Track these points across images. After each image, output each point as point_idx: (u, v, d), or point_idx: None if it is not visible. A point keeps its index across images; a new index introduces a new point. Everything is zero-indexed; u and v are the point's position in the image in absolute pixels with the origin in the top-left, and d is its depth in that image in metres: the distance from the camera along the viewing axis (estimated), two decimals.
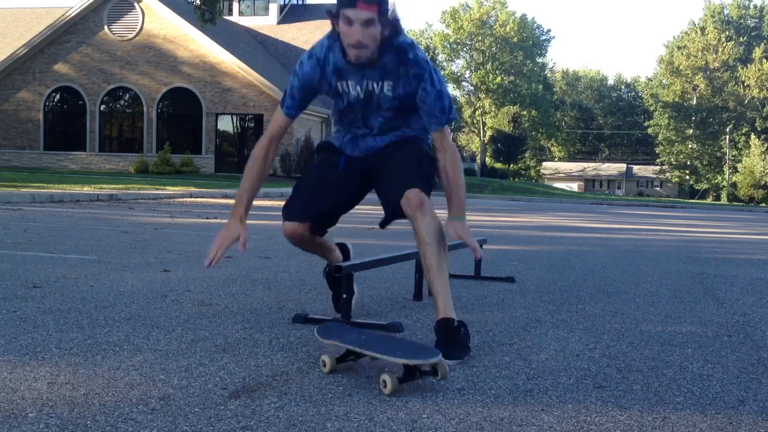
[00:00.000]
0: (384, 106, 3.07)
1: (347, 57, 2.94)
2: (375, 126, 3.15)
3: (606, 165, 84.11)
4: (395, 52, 2.94)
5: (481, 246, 5.00)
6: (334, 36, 3.00)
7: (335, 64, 3.00)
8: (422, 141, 3.20)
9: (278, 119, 3.15)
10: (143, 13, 31.94)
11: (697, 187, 67.12)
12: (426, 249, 2.91)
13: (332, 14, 2.95)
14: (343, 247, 3.64)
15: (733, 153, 62.26)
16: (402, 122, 3.17)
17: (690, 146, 66.90)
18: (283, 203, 3.21)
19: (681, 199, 52.99)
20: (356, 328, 2.83)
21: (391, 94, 3.01)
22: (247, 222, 3.19)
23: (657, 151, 70.76)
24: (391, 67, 2.96)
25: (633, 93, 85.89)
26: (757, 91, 63.09)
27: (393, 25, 2.90)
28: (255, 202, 3.24)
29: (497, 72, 65.45)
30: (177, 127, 32.92)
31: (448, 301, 2.88)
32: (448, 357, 2.68)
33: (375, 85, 3.01)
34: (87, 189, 15.70)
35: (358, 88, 3.03)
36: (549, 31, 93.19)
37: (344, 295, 3.28)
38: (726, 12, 70.11)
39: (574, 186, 76.76)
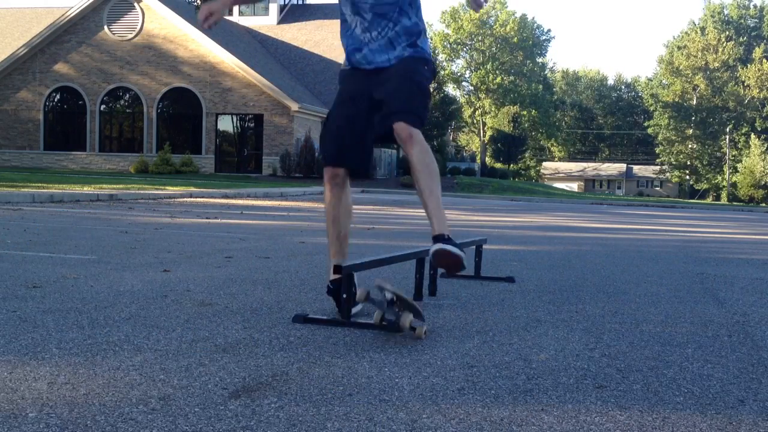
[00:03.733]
0: None
1: None
2: (367, 10, 3.33)
3: (606, 165, 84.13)
4: None
5: (481, 245, 5.01)
6: None
7: None
8: (418, 64, 3.38)
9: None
10: (143, 13, 31.95)
11: (697, 187, 67.12)
12: (418, 175, 3.17)
13: None
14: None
15: (733, 153, 62.27)
16: (392, 7, 3.35)
17: (690, 146, 66.91)
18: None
19: (681, 199, 52.99)
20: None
21: None
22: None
23: (657, 151, 70.78)
24: None
25: (633, 93, 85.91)
26: (757, 91, 63.10)
27: None
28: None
29: (497, 72, 65.45)
30: (177, 127, 32.92)
31: (441, 220, 3.14)
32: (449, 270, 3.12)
33: None
34: (87, 189, 15.71)
35: None
36: (549, 31, 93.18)
37: (344, 295, 3.28)
38: (726, 12, 70.12)
39: (574, 186, 76.77)
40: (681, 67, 66.20)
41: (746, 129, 63.59)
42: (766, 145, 55.06)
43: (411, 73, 3.32)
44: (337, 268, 3.31)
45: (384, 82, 3.33)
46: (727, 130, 62.92)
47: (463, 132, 75.70)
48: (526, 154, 61.98)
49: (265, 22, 39.70)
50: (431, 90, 3.61)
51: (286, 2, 40.80)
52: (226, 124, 32.57)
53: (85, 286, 4.14)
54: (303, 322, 3.34)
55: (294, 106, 30.60)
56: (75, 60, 32.57)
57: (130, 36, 32.13)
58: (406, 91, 3.27)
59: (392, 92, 3.27)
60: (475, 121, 68.30)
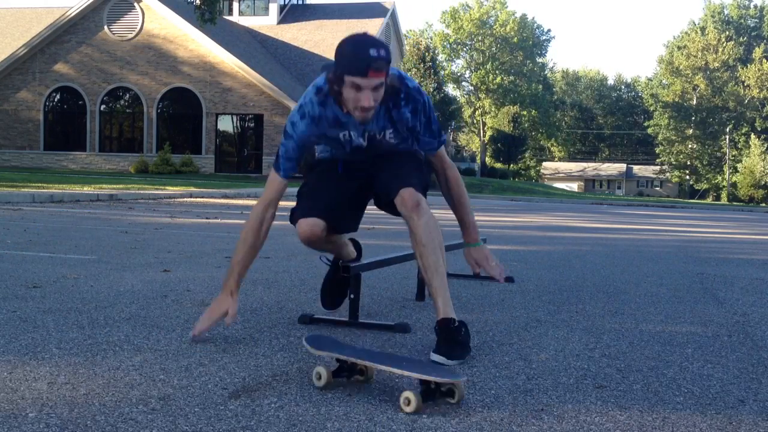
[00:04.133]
0: (386, 148, 3.03)
1: (346, 110, 2.86)
2: (364, 159, 3.09)
3: (606, 165, 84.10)
4: (388, 97, 2.85)
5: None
6: (323, 90, 2.87)
7: (334, 118, 2.89)
8: (417, 152, 3.15)
9: (276, 185, 3.01)
10: (143, 13, 31.94)
11: (697, 187, 67.10)
12: (423, 250, 2.88)
13: (334, 75, 2.75)
14: (355, 243, 3.64)
15: (733, 153, 62.26)
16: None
17: (690, 146, 66.89)
18: (283, 203, 3.18)
19: (681, 199, 52.99)
20: (346, 344, 2.67)
21: (394, 141, 2.99)
22: None
23: (657, 151, 70.74)
24: (385, 114, 2.89)
25: (633, 93, 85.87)
26: (757, 91, 63.08)
27: (392, 76, 2.84)
28: (255, 202, 3.22)
29: (497, 72, 65.40)
30: (177, 127, 32.92)
31: (447, 301, 2.85)
32: (450, 357, 2.68)
33: (377, 134, 2.96)
34: (87, 189, 15.71)
35: (361, 139, 2.97)
36: (549, 31, 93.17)
37: (352, 296, 3.28)
38: (726, 12, 70.09)
39: (574, 186, 76.75)
40: (681, 67, 66.17)
41: (746, 129, 63.57)
42: (766, 145, 55.05)
43: (413, 154, 3.10)
44: (346, 268, 3.27)
45: (382, 159, 3.08)
46: (727, 130, 62.90)
47: (463, 132, 75.68)
48: (526, 154, 61.96)
49: (265, 22, 39.69)
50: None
51: (286, 2, 40.79)
52: (226, 124, 32.57)
53: (85, 286, 4.14)
54: (309, 322, 3.34)
55: (294, 107, 30.62)
56: (75, 60, 32.56)
57: (130, 36, 32.12)
58: (413, 166, 3.05)
59: (397, 165, 3.03)
60: (475, 121, 68.27)
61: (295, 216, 3.11)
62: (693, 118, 66.26)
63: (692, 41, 66.27)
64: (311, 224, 3.05)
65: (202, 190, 18.43)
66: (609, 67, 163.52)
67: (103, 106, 32.90)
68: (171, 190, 17.57)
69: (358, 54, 2.64)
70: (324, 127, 2.91)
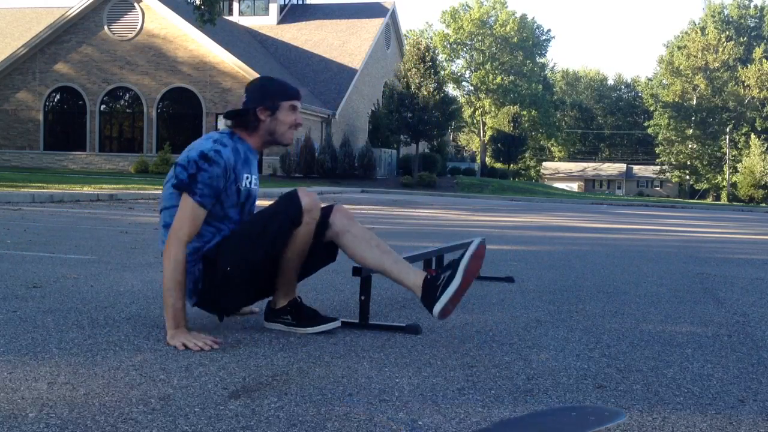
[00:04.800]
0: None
1: (261, 147, 3.18)
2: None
3: (606, 165, 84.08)
4: None
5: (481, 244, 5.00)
6: (227, 133, 3.13)
7: (245, 153, 3.11)
8: None
9: (197, 217, 2.90)
10: (143, 13, 31.94)
11: (697, 187, 67.08)
12: (378, 241, 3.12)
13: (269, 106, 3.09)
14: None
15: (733, 153, 62.25)
16: None
17: (690, 146, 66.86)
18: None
19: (681, 199, 52.98)
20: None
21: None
22: None
23: (657, 151, 70.71)
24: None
25: (633, 93, 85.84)
26: (757, 91, 63.04)
27: None
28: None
29: (497, 72, 65.39)
30: (177, 127, 32.91)
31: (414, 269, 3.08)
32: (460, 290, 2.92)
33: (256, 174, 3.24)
34: (87, 189, 15.71)
35: (257, 180, 3.19)
36: (549, 31, 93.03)
37: (362, 297, 3.29)
38: (726, 12, 70.07)
39: (574, 186, 76.71)
40: (681, 67, 66.12)
41: (746, 129, 63.52)
42: (766, 145, 55.00)
43: None
44: (357, 270, 3.25)
45: None
46: (727, 130, 62.87)
47: (463, 132, 75.67)
48: (526, 154, 61.91)
49: (265, 22, 39.68)
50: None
51: (286, 2, 40.79)
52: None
53: (85, 286, 4.14)
54: None
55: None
56: (75, 60, 32.56)
57: (130, 36, 32.12)
58: None
59: None
60: (475, 121, 68.27)
61: (292, 200, 3.01)
62: (693, 118, 66.22)
63: (692, 41, 66.22)
64: (312, 193, 3.10)
65: None
66: (609, 67, 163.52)
67: (103, 106, 32.90)
68: None
69: (284, 84, 3.15)
70: (239, 164, 3.05)
